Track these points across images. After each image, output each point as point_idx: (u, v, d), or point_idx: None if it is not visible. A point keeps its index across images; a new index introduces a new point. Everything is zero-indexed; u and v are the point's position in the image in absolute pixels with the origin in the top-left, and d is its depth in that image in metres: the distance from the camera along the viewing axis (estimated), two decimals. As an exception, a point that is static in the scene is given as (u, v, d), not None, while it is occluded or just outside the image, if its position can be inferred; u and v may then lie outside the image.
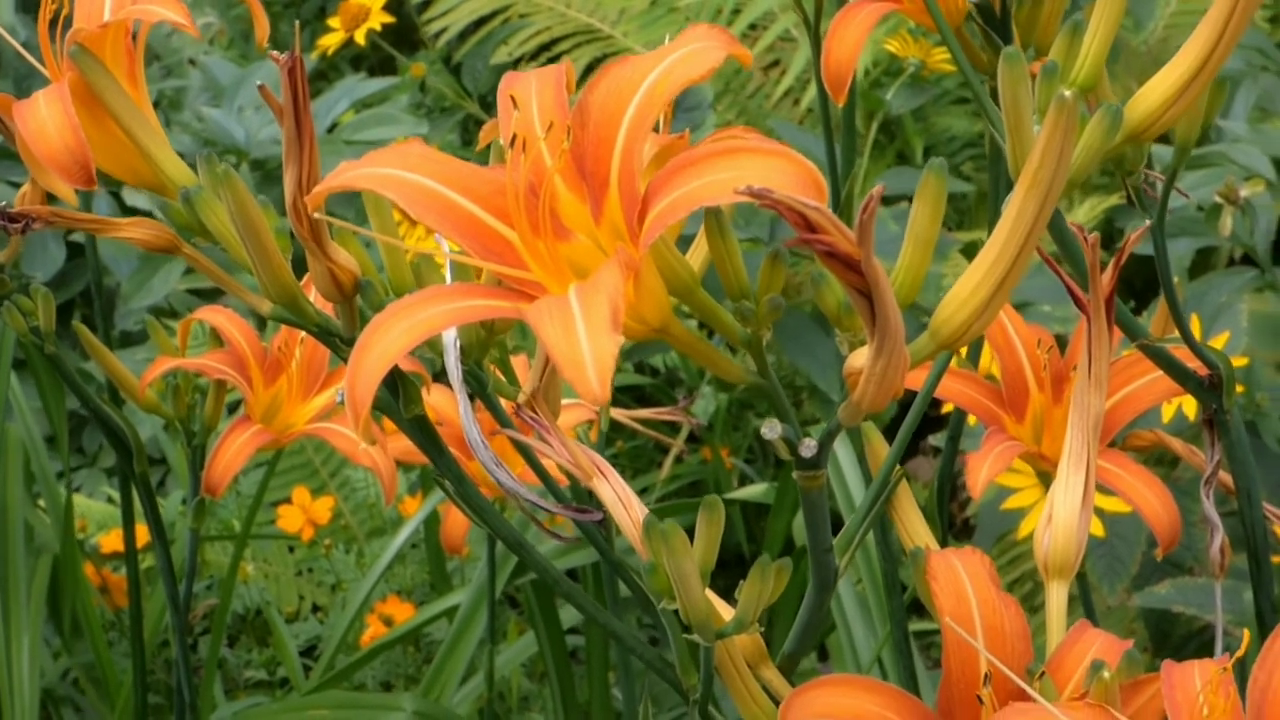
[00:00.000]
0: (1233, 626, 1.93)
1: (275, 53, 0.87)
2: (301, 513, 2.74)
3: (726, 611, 0.97)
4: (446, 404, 1.50)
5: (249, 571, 2.94)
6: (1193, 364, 1.20)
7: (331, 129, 3.51)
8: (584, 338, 0.67)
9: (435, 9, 4.11)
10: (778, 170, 0.70)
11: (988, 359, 1.42)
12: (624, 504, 0.96)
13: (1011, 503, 1.57)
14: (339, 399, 1.47)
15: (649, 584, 0.91)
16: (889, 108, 2.65)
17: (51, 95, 0.98)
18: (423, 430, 0.97)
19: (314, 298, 0.98)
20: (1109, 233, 3.25)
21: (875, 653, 1.93)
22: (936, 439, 3.10)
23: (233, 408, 2.38)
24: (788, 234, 2.43)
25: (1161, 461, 2.46)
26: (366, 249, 0.97)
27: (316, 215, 0.85)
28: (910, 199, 0.93)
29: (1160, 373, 1.24)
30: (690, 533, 0.89)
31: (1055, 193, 0.77)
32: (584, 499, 1.34)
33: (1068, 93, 0.74)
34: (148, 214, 2.23)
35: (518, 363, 1.47)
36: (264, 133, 3.35)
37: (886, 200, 2.87)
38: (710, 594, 0.96)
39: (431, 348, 0.99)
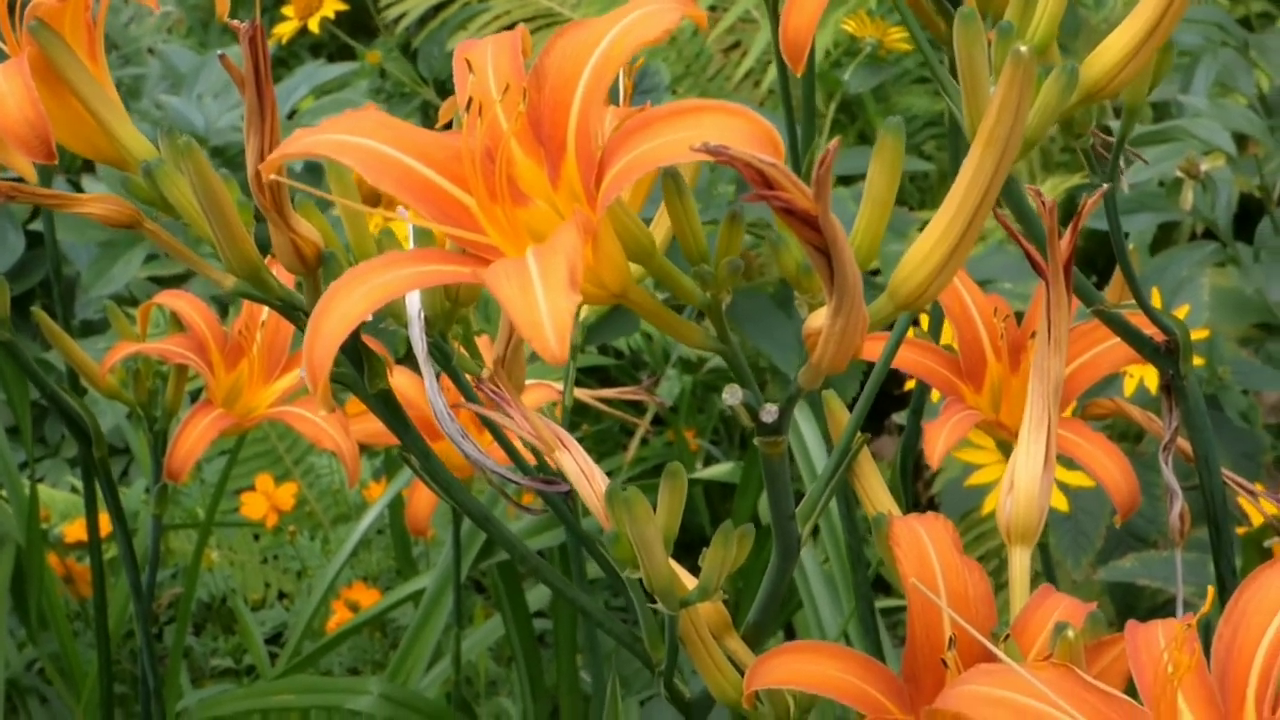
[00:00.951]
0: (1195, 598, 1.94)
1: (235, 21, 0.87)
2: (265, 499, 2.73)
3: (691, 582, 0.97)
4: (411, 387, 1.49)
5: (214, 559, 2.93)
6: (1150, 332, 1.21)
7: (291, 115, 3.49)
8: (541, 297, 0.67)
9: (393, -6, 4.10)
10: (734, 129, 0.70)
11: (949, 336, 1.42)
12: (586, 476, 0.96)
13: (975, 479, 1.57)
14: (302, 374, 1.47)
15: (613, 552, 0.91)
16: (847, 88, 2.65)
17: (10, 69, 0.97)
18: (388, 405, 0.97)
19: (278, 273, 0.98)
20: (1071, 210, 3.25)
21: (841, 628, 1.94)
22: (901, 417, 3.10)
23: (195, 395, 2.37)
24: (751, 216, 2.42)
25: (1126, 436, 2.47)
26: (335, 230, 0.97)
27: (277, 179, 0.84)
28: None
29: (1118, 339, 1.25)
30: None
31: (1012, 150, 0.77)
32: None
33: (1024, 48, 0.74)
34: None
35: (482, 343, 1.47)
36: (223, 120, 3.34)
37: (847, 180, 2.87)
38: (675, 565, 0.96)
39: (396, 319, 0.99)
